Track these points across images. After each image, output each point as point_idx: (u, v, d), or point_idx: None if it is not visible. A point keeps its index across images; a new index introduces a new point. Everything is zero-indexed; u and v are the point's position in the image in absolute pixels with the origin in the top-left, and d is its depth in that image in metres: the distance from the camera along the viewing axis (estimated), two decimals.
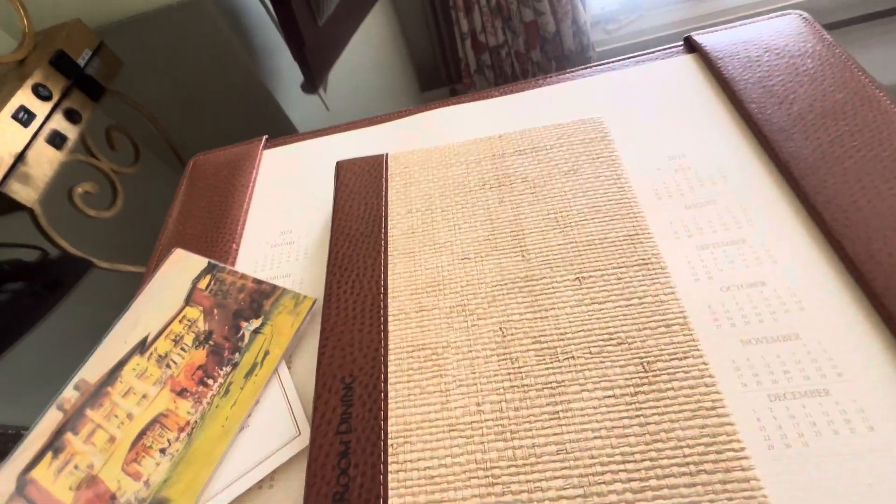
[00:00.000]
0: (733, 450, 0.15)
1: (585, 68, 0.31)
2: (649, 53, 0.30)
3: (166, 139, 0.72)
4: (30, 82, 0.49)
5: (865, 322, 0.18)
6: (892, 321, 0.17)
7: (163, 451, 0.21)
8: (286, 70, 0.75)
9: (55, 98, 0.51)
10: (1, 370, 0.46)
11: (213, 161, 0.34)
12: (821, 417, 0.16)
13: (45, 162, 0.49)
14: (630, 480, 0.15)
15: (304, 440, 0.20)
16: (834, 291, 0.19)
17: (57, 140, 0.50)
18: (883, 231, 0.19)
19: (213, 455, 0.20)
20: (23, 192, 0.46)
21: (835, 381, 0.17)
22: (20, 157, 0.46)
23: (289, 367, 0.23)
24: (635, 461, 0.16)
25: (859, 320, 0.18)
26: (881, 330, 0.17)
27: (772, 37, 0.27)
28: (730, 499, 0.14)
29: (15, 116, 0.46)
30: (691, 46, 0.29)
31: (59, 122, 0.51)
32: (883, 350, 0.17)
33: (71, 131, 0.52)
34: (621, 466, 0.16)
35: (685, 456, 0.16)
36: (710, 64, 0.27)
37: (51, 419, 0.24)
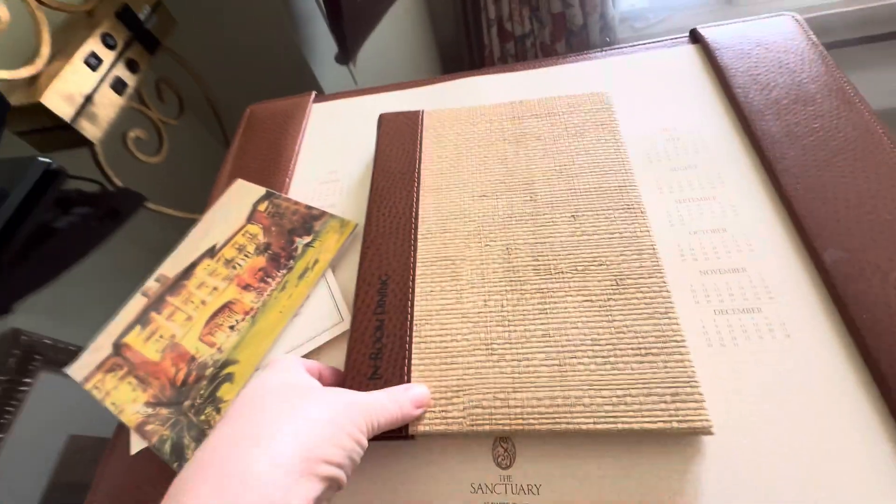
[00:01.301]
0: (675, 341, 0.20)
1: (600, 51, 0.35)
2: (658, 41, 0.34)
3: (207, 96, 0.77)
4: (98, 31, 0.54)
5: (798, 259, 0.22)
6: (816, 257, 0.22)
7: (232, 327, 0.27)
8: (321, 40, 0.80)
9: (119, 48, 0.56)
10: (55, 290, 0.52)
11: (269, 110, 0.39)
12: (751, 327, 0.21)
13: (108, 105, 0.54)
14: (595, 357, 0.20)
15: (345, 325, 0.25)
16: (779, 237, 0.23)
17: (119, 86, 0.55)
18: (824, 193, 0.23)
19: (273, 332, 0.26)
20: (89, 130, 0.51)
21: (767, 302, 0.22)
22: (89, 98, 0.51)
23: (333, 274, 0.28)
24: (601, 345, 0.21)
25: (794, 258, 0.22)
26: (808, 263, 0.22)
27: (765, 34, 0.31)
28: (668, 373, 0.19)
29: (86, 61, 0.51)
30: (695, 38, 0.33)
31: (121, 70, 0.56)
32: (808, 277, 0.22)
33: (130, 79, 0.58)
34: (590, 348, 0.21)
35: (639, 344, 0.20)
36: (708, 53, 0.31)
37: (136, 302, 0.30)
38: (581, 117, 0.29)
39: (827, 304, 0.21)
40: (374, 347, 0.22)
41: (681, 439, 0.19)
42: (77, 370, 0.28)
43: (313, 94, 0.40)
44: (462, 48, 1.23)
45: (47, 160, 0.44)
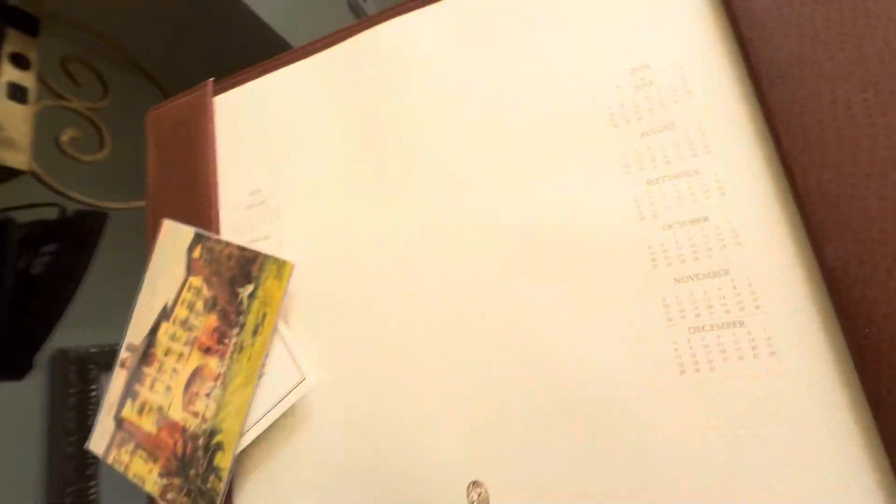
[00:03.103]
0: None
1: None
2: None
3: (129, 58, 0.66)
4: None
5: (796, 254, 0.18)
6: (820, 252, 0.17)
7: (207, 395, 0.27)
8: None
9: None
10: (73, 308, 0.54)
11: (167, 117, 0.33)
12: (731, 346, 0.18)
13: (18, 120, 0.48)
14: None
15: (308, 384, 0.25)
16: (774, 223, 0.19)
17: (17, 92, 0.48)
18: (839, 155, 0.17)
19: (244, 398, 0.26)
20: (14, 158, 0.47)
21: (752, 312, 0.18)
22: None
23: (285, 323, 0.27)
24: None
25: (790, 253, 0.18)
26: (808, 260, 0.18)
27: None
28: None
29: None
30: None
31: (9, 73, 0.48)
32: (805, 278, 0.18)
33: (26, 78, 0.50)
34: None
35: None
36: None
37: (119, 376, 0.30)
38: None
39: (824, 314, 0.17)
40: None
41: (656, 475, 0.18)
42: (96, 446, 0.30)
43: (210, 83, 0.33)
44: None
45: None
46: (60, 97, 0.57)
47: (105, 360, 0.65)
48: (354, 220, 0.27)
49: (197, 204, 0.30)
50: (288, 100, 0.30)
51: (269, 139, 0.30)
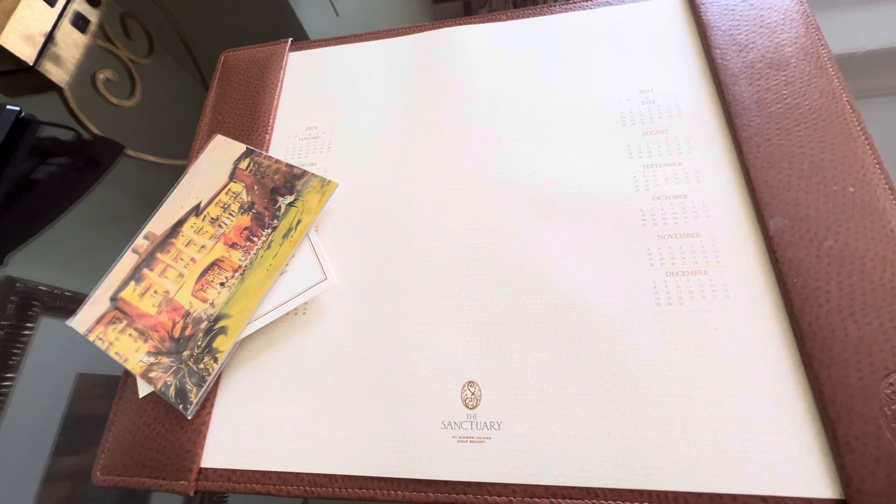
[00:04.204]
0: None
1: (588, 1, 0.34)
2: None
3: (178, 32, 0.72)
4: None
5: (748, 226, 0.24)
6: (764, 224, 0.23)
7: (222, 284, 0.28)
8: None
9: None
10: (42, 238, 0.52)
11: (244, 58, 0.38)
12: (696, 288, 0.23)
13: (71, 44, 0.51)
14: None
15: (329, 283, 0.27)
16: (734, 204, 0.25)
17: (80, 23, 0.52)
18: (781, 162, 0.24)
19: (262, 289, 0.28)
20: (55, 73, 0.49)
21: (714, 265, 0.24)
22: (50, 38, 0.48)
23: (316, 232, 0.29)
24: None
25: (744, 225, 0.24)
26: (756, 230, 0.24)
27: None
28: None
29: None
30: None
31: (80, 4, 0.52)
32: (754, 243, 0.24)
33: (92, 14, 0.54)
34: None
35: None
36: (694, 8, 0.31)
37: (128, 259, 0.31)
38: None
39: (766, 268, 0.23)
40: None
41: (625, 390, 0.22)
42: (79, 323, 0.29)
43: (289, 41, 0.38)
44: None
45: (16, 108, 0.42)
46: (112, 42, 0.60)
47: (52, 302, 0.61)
48: (394, 162, 0.31)
49: (253, 127, 0.34)
50: (357, 65, 0.36)
51: (334, 93, 0.35)
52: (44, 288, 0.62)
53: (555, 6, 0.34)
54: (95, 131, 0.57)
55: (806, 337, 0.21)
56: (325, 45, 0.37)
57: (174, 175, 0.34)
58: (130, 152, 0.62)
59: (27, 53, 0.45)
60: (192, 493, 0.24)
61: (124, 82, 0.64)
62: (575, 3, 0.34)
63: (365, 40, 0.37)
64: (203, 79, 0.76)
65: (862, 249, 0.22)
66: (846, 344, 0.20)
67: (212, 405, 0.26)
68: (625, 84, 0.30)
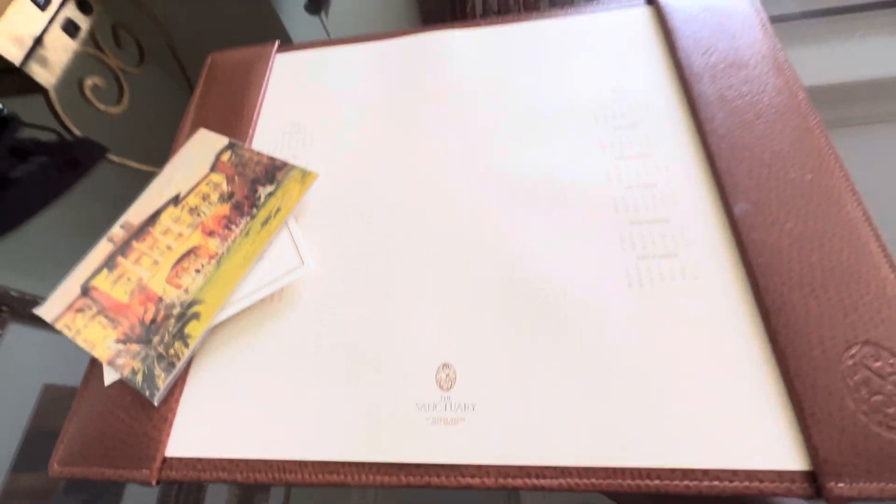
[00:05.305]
0: None
1: (562, 9, 0.36)
2: (617, 2, 0.35)
3: (168, 44, 0.73)
4: None
5: (714, 211, 0.25)
6: (729, 209, 0.24)
7: (198, 271, 0.28)
8: None
9: None
10: (19, 242, 0.51)
11: (230, 59, 0.39)
12: (667, 271, 0.24)
13: (60, 48, 0.51)
14: None
15: (305, 269, 0.27)
16: (701, 191, 0.26)
17: (70, 28, 0.52)
18: (743, 153, 0.26)
19: (238, 275, 0.27)
20: (42, 75, 0.49)
21: (684, 248, 0.24)
22: (38, 41, 0.49)
23: (295, 221, 0.30)
24: None
25: (711, 210, 0.25)
26: (722, 215, 0.25)
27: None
28: None
29: None
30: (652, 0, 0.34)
31: (72, 11, 0.53)
32: (720, 227, 0.24)
33: (83, 21, 0.54)
34: None
35: None
36: (661, 16, 0.33)
37: (103, 248, 0.30)
38: None
39: (732, 250, 0.24)
40: None
41: (596, 366, 0.22)
42: (47, 310, 0.29)
43: (276, 43, 0.39)
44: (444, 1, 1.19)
45: None
46: (101, 50, 0.61)
47: (21, 308, 0.59)
48: (375, 156, 0.32)
49: (237, 123, 0.34)
50: (342, 67, 0.37)
51: (318, 92, 0.36)
52: (15, 293, 0.60)
53: (532, 15, 0.36)
54: (78, 133, 0.57)
55: (771, 314, 0.21)
56: (311, 48, 0.39)
57: None
58: (113, 157, 0.62)
59: (14, 54, 0.45)
60: (153, 483, 0.23)
61: (112, 89, 0.64)
62: (551, 12, 0.36)
63: (349, 43, 0.38)
64: (191, 88, 0.76)
65: (820, 231, 0.23)
66: (808, 319, 0.21)
67: (180, 393, 0.25)
68: (597, 84, 0.31)
